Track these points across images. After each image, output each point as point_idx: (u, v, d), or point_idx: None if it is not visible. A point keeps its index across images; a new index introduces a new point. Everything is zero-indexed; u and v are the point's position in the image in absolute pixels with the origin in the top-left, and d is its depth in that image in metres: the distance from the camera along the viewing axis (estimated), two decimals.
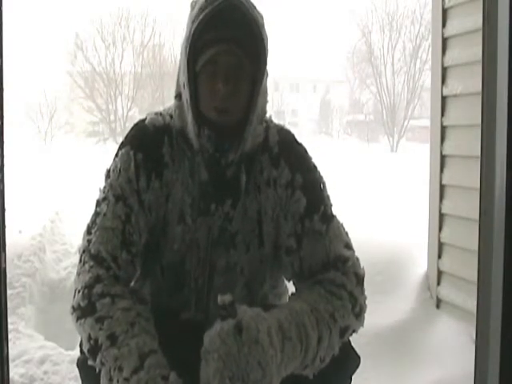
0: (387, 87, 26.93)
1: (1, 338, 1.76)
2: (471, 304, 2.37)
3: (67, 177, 9.29)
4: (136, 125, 1.54)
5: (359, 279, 1.43)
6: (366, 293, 1.45)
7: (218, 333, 1.25)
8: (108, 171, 1.49)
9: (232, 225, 1.48)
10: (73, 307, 1.38)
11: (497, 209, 1.66)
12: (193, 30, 1.40)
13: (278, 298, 1.61)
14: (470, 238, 2.88)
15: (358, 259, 1.48)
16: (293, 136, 1.58)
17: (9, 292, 2.43)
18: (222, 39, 1.39)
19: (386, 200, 6.87)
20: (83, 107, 24.53)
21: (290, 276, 1.53)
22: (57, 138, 25.08)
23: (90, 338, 1.33)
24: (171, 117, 1.51)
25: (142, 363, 1.28)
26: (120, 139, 1.58)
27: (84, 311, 1.36)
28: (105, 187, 1.48)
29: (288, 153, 1.51)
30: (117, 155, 1.49)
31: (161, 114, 1.54)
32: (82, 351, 1.41)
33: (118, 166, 1.47)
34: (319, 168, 1.55)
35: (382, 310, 3.38)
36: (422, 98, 25.80)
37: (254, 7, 1.44)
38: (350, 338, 1.46)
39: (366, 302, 1.44)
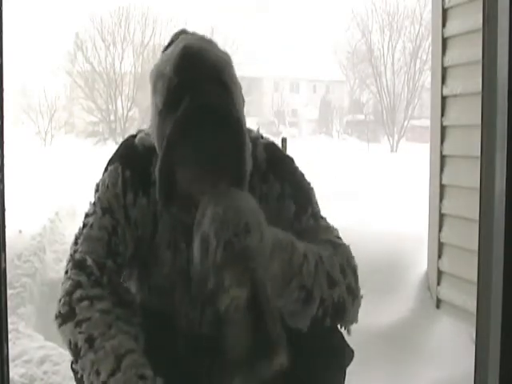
0: (387, 87, 26.93)
1: (1, 338, 1.76)
2: (471, 304, 2.37)
3: (67, 177, 9.28)
4: (125, 141, 1.55)
5: (351, 266, 1.43)
6: (364, 292, 1.45)
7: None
8: (97, 185, 1.51)
9: None
10: (55, 316, 1.39)
11: (497, 209, 1.66)
12: (165, 141, 1.34)
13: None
14: (470, 238, 2.88)
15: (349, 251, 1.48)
16: (279, 150, 1.58)
17: (9, 292, 2.42)
18: (201, 157, 1.33)
19: (385, 200, 6.87)
20: (83, 107, 24.52)
21: None
22: (57, 138, 25.06)
23: (70, 343, 1.34)
24: None
25: (118, 365, 1.28)
26: (120, 139, 1.60)
27: (65, 317, 1.36)
28: (93, 202, 1.49)
29: (276, 167, 1.52)
30: (106, 170, 1.51)
31: (149, 134, 1.52)
32: None
33: (106, 181, 1.48)
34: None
35: (382, 310, 3.38)
36: (422, 98, 25.80)
37: (219, 64, 1.36)
38: (347, 339, 1.47)
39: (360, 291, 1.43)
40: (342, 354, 1.50)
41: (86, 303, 1.35)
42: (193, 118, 1.31)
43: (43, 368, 3.00)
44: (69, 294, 1.38)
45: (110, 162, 1.51)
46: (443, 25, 3.49)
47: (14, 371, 2.85)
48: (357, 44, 27.78)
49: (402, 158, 17.19)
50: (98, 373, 1.29)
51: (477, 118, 1.81)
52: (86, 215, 1.48)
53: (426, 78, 23.28)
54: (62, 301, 1.38)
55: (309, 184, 1.56)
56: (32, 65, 26.26)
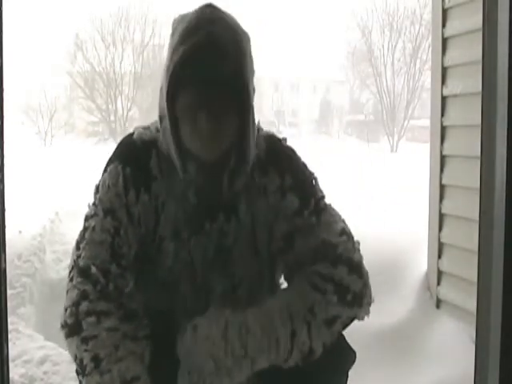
0: (387, 87, 26.92)
1: (1, 338, 1.76)
2: (471, 304, 2.37)
3: (67, 177, 9.28)
4: (123, 140, 1.55)
5: (353, 265, 1.43)
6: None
7: (181, 334, 1.35)
8: (97, 187, 1.49)
9: (228, 239, 1.48)
10: (61, 325, 1.39)
11: (497, 209, 1.66)
12: (171, 67, 1.37)
13: None
14: (470, 238, 2.88)
15: (356, 243, 1.47)
16: (279, 140, 1.57)
17: (9, 292, 2.43)
18: (203, 82, 1.34)
19: (385, 200, 6.87)
20: (83, 107, 24.53)
21: (285, 273, 1.53)
22: (57, 138, 25.05)
23: (76, 357, 1.35)
24: (158, 130, 1.50)
25: None
26: (120, 139, 1.58)
27: (71, 330, 1.36)
28: (94, 202, 1.48)
29: (275, 158, 1.51)
30: (105, 170, 1.49)
31: (148, 127, 1.53)
32: None
33: (107, 181, 1.47)
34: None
35: (382, 310, 3.37)
36: (422, 98, 25.80)
37: (236, 30, 1.40)
38: (346, 337, 1.46)
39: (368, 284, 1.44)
40: (345, 356, 1.49)
41: (92, 319, 1.35)
42: (201, 48, 1.34)
43: (43, 368, 2.99)
44: (75, 304, 1.37)
45: (110, 162, 1.50)
46: (443, 25, 3.49)
47: (14, 371, 2.85)
48: (357, 44, 27.77)
49: (402, 157, 17.18)
50: None
51: (477, 118, 1.81)
52: (87, 218, 1.47)
53: (426, 78, 23.27)
54: (69, 311, 1.38)
55: (311, 174, 1.54)
56: (32, 65, 26.25)
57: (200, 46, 1.34)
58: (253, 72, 1.42)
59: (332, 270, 1.41)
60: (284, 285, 1.63)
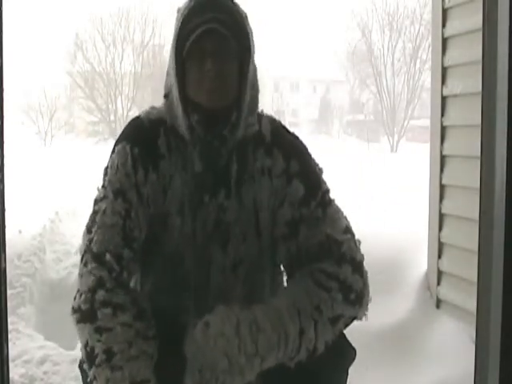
0: (387, 87, 26.92)
1: (1, 338, 1.76)
2: (471, 304, 2.37)
3: (67, 177, 9.29)
4: (131, 121, 1.55)
5: (356, 265, 1.44)
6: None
7: (190, 332, 1.34)
8: (106, 169, 1.49)
9: (227, 216, 1.48)
10: (73, 308, 1.38)
11: (497, 209, 1.66)
12: (179, 19, 1.44)
13: (275, 289, 1.60)
14: (470, 238, 2.88)
15: (357, 242, 1.48)
16: (284, 126, 1.59)
17: (9, 292, 2.42)
18: (206, 21, 1.41)
19: (385, 200, 6.87)
20: (83, 107, 24.54)
21: (286, 263, 1.53)
22: (57, 137, 25.06)
23: (87, 344, 1.35)
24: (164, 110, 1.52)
25: None
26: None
27: (85, 316, 1.36)
28: (103, 185, 1.48)
29: (281, 141, 1.52)
30: (113, 151, 1.50)
31: (154, 107, 1.56)
32: None
33: (116, 161, 1.47)
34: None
35: (382, 310, 3.37)
36: (422, 98, 25.80)
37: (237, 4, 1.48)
38: (346, 335, 1.47)
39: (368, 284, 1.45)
40: (345, 354, 1.50)
41: (109, 311, 1.35)
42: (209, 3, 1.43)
43: (43, 368, 2.99)
44: (91, 291, 1.37)
45: (117, 143, 1.51)
46: (443, 25, 3.48)
47: (14, 371, 2.85)
48: (357, 44, 27.77)
49: (402, 158, 17.19)
50: None
51: (477, 118, 1.81)
52: (96, 201, 1.47)
53: (426, 78, 23.28)
54: (84, 297, 1.37)
55: (317, 164, 1.54)
56: (32, 65, 26.26)
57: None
58: (252, 33, 1.48)
59: (337, 268, 1.41)
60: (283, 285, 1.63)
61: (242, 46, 1.44)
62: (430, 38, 4.72)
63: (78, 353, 2.97)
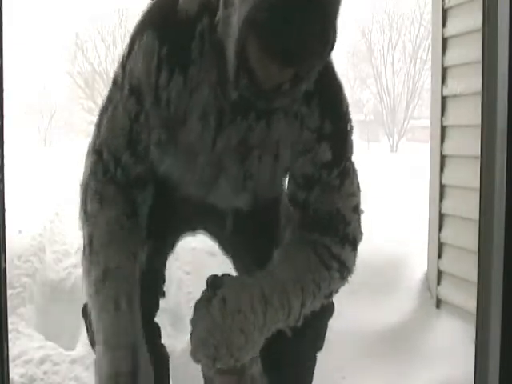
0: (387, 87, 26.91)
1: (1, 338, 1.76)
2: (471, 304, 2.37)
3: (67, 177, 9.27)
4: (164, 2, 1.36)
5: (355, 245, 1.46)
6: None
7: (204, 304, 1.34)
8: (124, 57, 1.38)
9: (254, 137, 1.40)
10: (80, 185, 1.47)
11: (497, 209, 1.66)
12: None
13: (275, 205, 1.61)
14: (470, 238, 2.88)
15: (360, 223, 1.48)
16: (332, 74, 1.42)
17: (9, 292, 2.42)
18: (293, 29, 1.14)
19: (385, 200, 6.86)
20: (83, 107, 24.51)
21: (292, 200, 1.49)
22: (57, 137, 25.05)
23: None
24: (209, 3, 1.30)
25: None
26: None
27: (81, 204, 1.45)
28: (120, 73, 1.39)
29: (322, 94, 1.39)
30: (137, 36, 1.35)
31: None
32: None
33: (141, 53, 1.33)
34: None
35: (382, 310, 3.38)
36: (422, 98, 25.79)
37: None
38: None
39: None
40: (324, 311, 1.54)
41: (96, 201, 1.41)
42: None
43: (43, 368, 2.99)
44: (84, 184, 1.45)
45: (144, 27, 1.35)
46: (443, 25, 3.49)
47: (14, 371, 2.85)
48: (357, 44, 27.75)
49: (402, 157, 17.17)
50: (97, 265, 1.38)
51: (477, 118, 1.81)
52: (111, 91, 1.43)
53: (426, 78, 23.27)
54: (80, 189, 1.46)
55: (350, 124, 1.47)
56: (32, 65, 26.25)
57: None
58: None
59: (340, 249, 1.44)
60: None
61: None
62: (430, 38, 4.72)
63: (78, 353, 2.98)
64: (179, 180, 1.50)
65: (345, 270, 1.45)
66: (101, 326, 1.35)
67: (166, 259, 1.75)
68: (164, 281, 1.75)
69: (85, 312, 1.49)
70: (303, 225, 1.46)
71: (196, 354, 1.33)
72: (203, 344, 1.31)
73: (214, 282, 1.36)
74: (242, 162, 1.44)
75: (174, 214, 1.63)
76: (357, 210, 1.47)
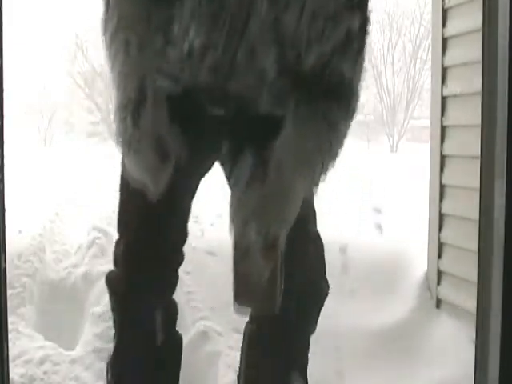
0: (387, 87, 26.90)
1: (1, 338, 1.76)
2: (471, 304, 2.37)
3: (67, 177, 9.28)
4: None
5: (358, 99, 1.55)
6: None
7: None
8: None
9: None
10: None
11: (497, 209, 1.66)
12: None
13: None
14: (470, 238, 2.88)
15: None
16: None
17: (9, 292, 2.42)
18: None
19: (385, 200, 6.87)
20: (83, 107, 24.51)
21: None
22: (57, 137, 25.06)
23: None
24: None
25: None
26: None
27: None
28: None
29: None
30: None
31: None
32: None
33: None
34: None
35: (382, 310, 3.38)
36: (422, 98, 25.78)
37: None
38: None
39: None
40: (319, 291, 1.60)
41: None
42: None
43: (43, 368, 2.99)
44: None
45: None
46: (443, 25, 3.49)
47: (14, 371, 2.84)
48: None
49: (402, 157, 17.18)
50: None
51: (477, 118, 1.81)
52: None
53: (426, 78, 23.26)
54: None
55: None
56: (32, 65, 26.25)
57: None
58: None
59: (344, 114, 1.58)
60: None
61: None
62: (430, 38, 4.72)
63: (77, 353, 2.98)
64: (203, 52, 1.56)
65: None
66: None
67: (192, 198, 1.81)
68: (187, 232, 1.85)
69: (108, 279, 1.52)
70: (308, 81, 1.50)
71: (247, 224, 1.40)
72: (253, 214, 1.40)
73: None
74: (272, 5, 1.46)
75: (200, 132, 1.68)
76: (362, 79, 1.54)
